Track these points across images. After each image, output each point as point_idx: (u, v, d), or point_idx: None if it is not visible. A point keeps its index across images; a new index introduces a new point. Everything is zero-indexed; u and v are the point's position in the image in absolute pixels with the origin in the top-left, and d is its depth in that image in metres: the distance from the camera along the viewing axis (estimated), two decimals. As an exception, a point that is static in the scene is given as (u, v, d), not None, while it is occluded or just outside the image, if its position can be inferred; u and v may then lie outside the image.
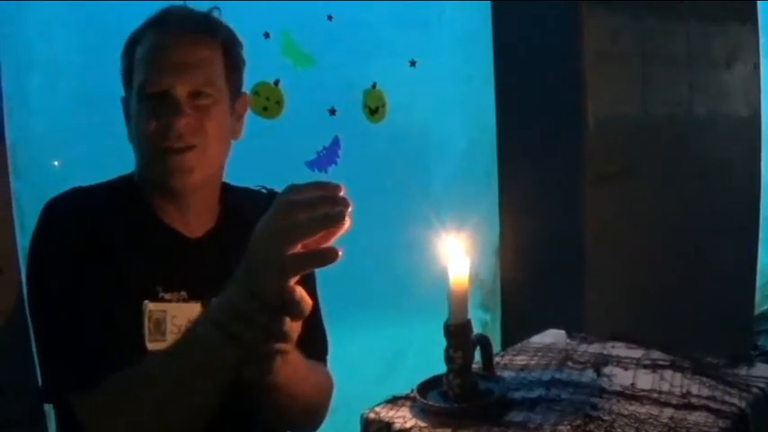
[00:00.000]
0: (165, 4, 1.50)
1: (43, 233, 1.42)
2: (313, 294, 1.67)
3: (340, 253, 1.05)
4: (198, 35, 1.46)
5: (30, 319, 1.41)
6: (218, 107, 1.46)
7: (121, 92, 1.51)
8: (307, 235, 1.05)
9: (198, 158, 1.42)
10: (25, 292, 1.44)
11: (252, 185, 1.67)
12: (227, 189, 1.59)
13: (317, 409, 1.58)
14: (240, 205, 1.59)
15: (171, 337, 1.39)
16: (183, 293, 1.46)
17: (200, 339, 1.16)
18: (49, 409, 1.45)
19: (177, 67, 1.41)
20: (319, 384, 1.56)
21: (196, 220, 1.53)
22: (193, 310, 1.44)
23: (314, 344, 1.54)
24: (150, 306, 1.42)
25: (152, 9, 1.48)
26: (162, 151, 1.41)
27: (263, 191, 1.69)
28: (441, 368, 1.22)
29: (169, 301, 1.44)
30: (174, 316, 1.43)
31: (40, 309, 1.39)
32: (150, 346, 1.39)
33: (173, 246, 1.49)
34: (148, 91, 1.41)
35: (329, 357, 1.67)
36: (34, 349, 1.41)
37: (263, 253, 1.07)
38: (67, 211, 1.43)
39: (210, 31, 1.49)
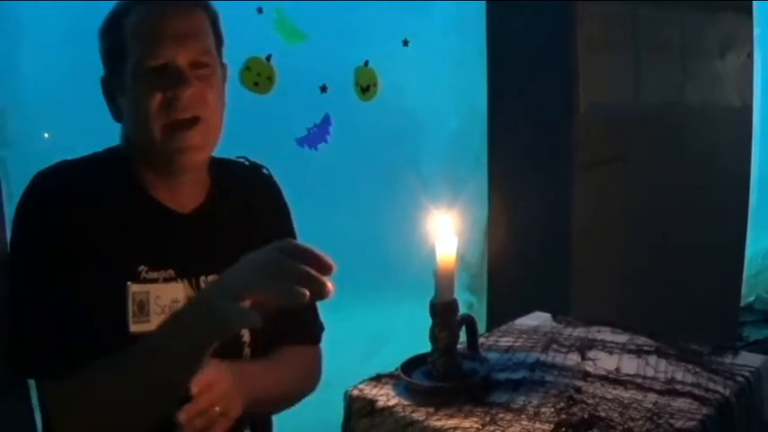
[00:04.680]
0: None
1: (27, 209, 1.39)
2: None
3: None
4: (191, 5, 1.44)
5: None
6: (215, 77, 1.45)
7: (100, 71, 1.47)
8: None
9: (204, 133, 1.41)
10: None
11: (232, 157, 1.66)
12: (213, 161, 1.56)
13: (291, 399, 1.61)
14: (228, 179, 1.59)
15: (154, 318, 1.39)
16: (171, 272, 1.44)
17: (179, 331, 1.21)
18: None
19: (177, 36, 1.39)
20: (287, 384, 1.58)
21: (188, 195, 1.51)
22: (176, 290, 1.43)
23: (294, 328, 1.57)
24: (134, 288, 1.39)
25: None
26: (167, 127, 1.38)
27: (246, 163, 1.68)
28: (426, 349, 1.22)
29: (154, 280, 1.42)
30: (157, 296, 1.41)
31: (15, 288, 1.37)
32: (134, 328, 1.38)
33: (162, 222, 1.47)
34: (149, 65, 1.37)
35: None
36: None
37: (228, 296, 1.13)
38: (53, 188, 1.40)
39: (201, 1, 1.47)
